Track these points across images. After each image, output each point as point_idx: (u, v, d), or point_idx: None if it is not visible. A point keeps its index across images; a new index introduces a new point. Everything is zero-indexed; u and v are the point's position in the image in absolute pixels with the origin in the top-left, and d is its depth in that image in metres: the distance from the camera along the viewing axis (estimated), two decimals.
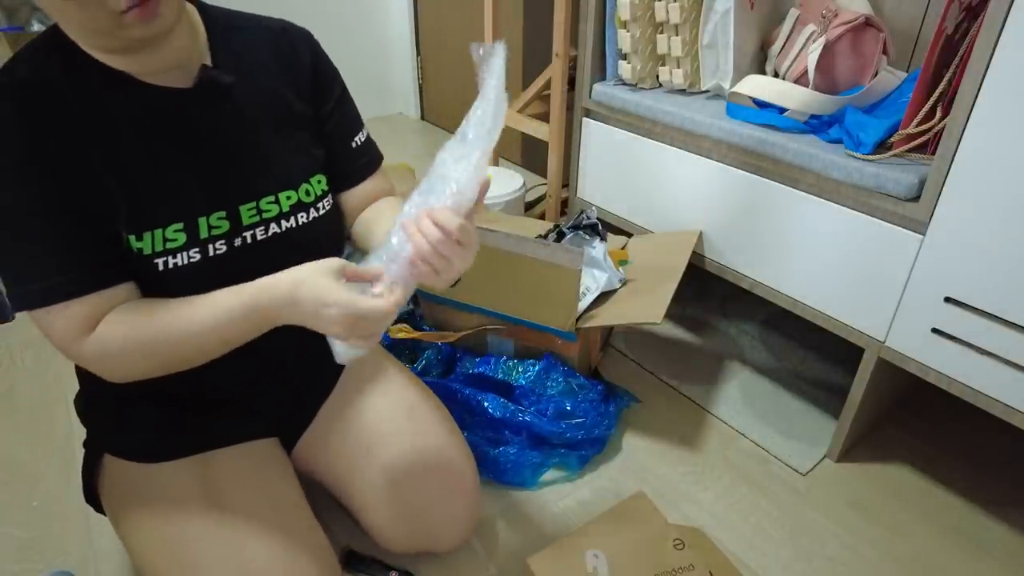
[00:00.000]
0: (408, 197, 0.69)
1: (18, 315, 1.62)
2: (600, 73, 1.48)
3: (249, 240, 0.76)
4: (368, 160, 0.91)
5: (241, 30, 0.80)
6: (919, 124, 1.00)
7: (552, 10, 1.70)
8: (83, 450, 0.89)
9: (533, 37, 2.33)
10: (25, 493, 1.13)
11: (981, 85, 0.86)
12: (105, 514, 0.88)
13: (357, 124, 0.90)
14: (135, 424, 0.84)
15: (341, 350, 0.69)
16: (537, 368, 1.27)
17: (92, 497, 0.90)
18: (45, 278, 0.66)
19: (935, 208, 0.96)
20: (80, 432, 0.90)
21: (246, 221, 0.76)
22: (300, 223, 0.80)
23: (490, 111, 0.67)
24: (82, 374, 0.87)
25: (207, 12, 0.77)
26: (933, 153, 0.97)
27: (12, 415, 1.31)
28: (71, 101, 0.66)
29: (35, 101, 0.65)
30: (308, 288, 0.65)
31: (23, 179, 0.64)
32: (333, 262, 0.67)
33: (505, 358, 1.30)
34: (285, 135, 0.80)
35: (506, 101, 0.68)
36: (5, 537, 1.06)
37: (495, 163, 2.20)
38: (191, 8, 0.75)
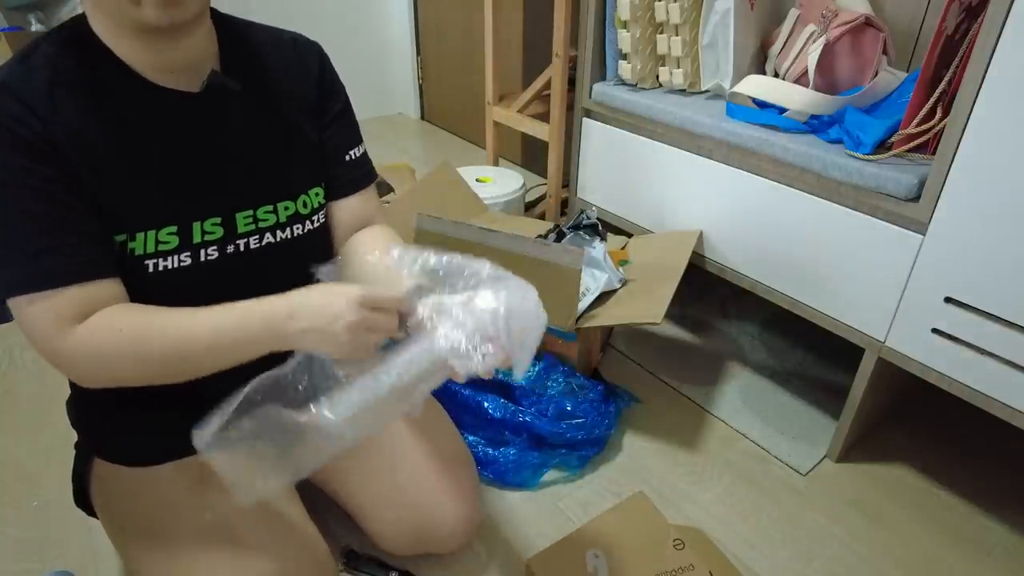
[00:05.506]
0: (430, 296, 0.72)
1: None
2: (600, 73, 1.48)
3: (242, 248, 0.76)
4: (360, 175, 0.90)
5: (251, 39, 0.80)
6: (919, 124, 1.00)
7: (552, 10, 1.70)
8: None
9: (533, 37, 2.33)
10: (25, 493, 1.13)
11: (981, 85, 0.86)
12: (97, 517, 0.88)
13: (355, 139, 0.89)
14: (126, 427, 0.84)
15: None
16: (537, 368, 1.27)
17: (83, 500, 0.89)
18: (32, 263, 0.63)
19: (935, 208, 0.96)
20: None
21: (241, 229, 0.76)
22: (295, 235, 0.80)
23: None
24: None
25: (219, 18, 0.77)
26: (933, 153, 0.97)
27: (12, 415, 1.31)
28: (82, 91, 0.66)
29: (48, 86, 0.64)
30: (318, 291, 0.66)
31: (25, 164, 0.62)
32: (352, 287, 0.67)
33: None
34: (287, 146, 0.80)
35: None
36: (5, 537, 1.05)
37: (495, 163, 2.20)
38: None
